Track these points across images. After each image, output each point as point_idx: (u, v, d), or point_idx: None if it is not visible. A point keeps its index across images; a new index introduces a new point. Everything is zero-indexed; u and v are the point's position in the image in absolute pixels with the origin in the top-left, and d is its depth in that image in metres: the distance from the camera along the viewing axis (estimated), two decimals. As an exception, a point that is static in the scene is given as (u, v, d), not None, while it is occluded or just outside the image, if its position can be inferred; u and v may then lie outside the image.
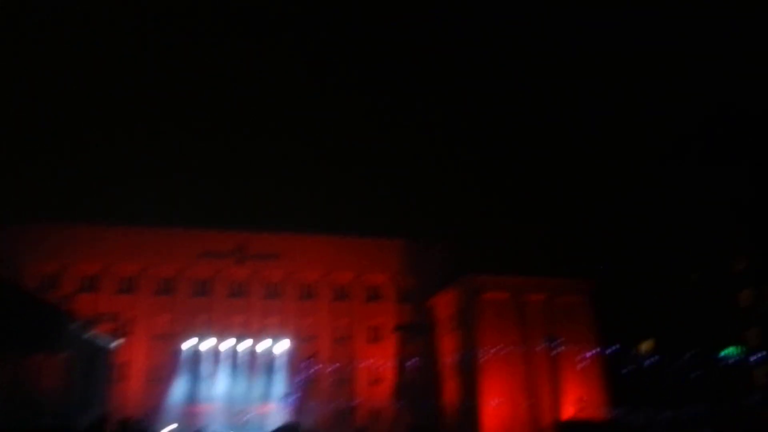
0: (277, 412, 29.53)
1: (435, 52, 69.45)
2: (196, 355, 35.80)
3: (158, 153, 60.38)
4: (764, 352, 34.05)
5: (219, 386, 35.00)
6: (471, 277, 36.28)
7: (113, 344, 28.36)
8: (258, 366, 36.26)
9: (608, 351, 34.34)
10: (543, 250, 37.26)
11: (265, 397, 34.63)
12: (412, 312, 41.37)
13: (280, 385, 34.71)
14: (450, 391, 37.75)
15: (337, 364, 38.60)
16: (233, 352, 36.06)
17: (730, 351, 36.55)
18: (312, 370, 33.53)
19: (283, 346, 36.78)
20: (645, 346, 33.68)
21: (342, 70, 69.17)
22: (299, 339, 38.87)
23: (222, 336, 36.81)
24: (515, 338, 34.68)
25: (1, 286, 22.28)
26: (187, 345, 35.93)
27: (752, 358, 35.12)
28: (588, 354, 34.42)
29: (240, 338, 36.83)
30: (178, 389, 34.88)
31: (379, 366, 39.31)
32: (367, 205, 51.92)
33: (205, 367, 35.59)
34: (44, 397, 22.25)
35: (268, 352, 36.57)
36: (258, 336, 37.45)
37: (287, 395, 31.95)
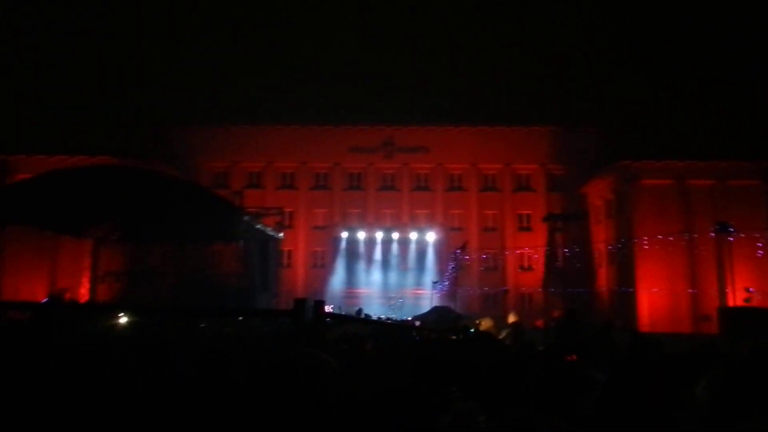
0: (429, 297, 31.17)
1: None
2: (351, 244, 38.60)
3: (309, 55, 62.15)
4: None
5: (374, 273, 37.70)
6: (628, 162, 34.23)
7: (279, 235, 31.08)
8: (409, 254, 38.31)
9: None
10: (711, 131, 33.88)
11: (417, 283, 36.70)
12: (563, 200, 40.45)
13: (430, 272, 36.44)
14: (603, 279, 37.14)
15: (487, 253, 39.34)
16: (386, 241, 38.31)
17: None
18: (462, 258, 34.53)
19: (432, 236, 38.29)
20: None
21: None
22: (448, 229, 40.03)
23: (374, 227, 39.15)
24: (677, 225, 32.66)
25: (183, 183, 25.10)
26: (343, 235, 38.78)
27: None
28: (763, 242, 31.63)
29: (391, 229, 38.89)
30: (336, 275, 38.13)
31: (529, 254, 39.51)
32: (515, 92, 50.03)
33: (360, 256, 38.38)
34: (226, 281, 25.34)
35: (419, 242, 38.32)
36: (408, 227, 39.22)
37: (438, 281, 33.43)
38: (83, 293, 27.09)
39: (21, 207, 20.56)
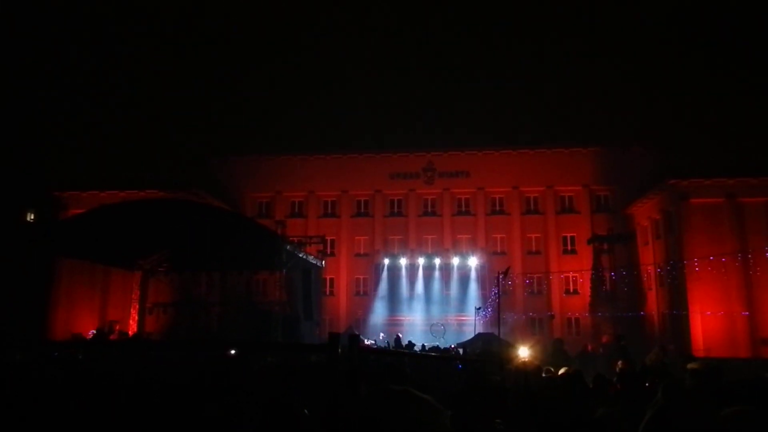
0: (473, 323, 30.72)
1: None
2: (393, 271, 38.53)
3: (348, 84, 63.22)
4: None
5: (416, 299, 37.46)
6: (676, 181, 33.38)
7: (321, 263, 31.28)
8: (452, 280, 37.96)
9: None
10: (763, 146, 32.84)
11: (460, 309, 36.25)
12: (608, 222, 39.58)
13: (473, 298, 36.00)
14: (653, 302, 36.03)
15: (531, 278, 38.71)
16: (428, 268, 38.10)
17: None
18: (506, 283, 34.03)
19: (474, 261, 37.95)
20: None
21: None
22: (490, 254, 39.61)
23: (416, 253, 39.06)
24: (730, 245, 31.56)
25: (227, 214, 25.67)
26: (385, 262, 38.79)
27: None
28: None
29: (433, 255, 38.73)
30: (379, 302, 38.03)
31: (574, 277, 38.72)
32: (556, 114, 49.64)
33: (402, 282, 38.23)
34: (270, 309, 25.62)
35: (461, 267, 37.99)
36: (450, 252, 38.97)
37: (482, 307, 32.98)
38: (132, 325, 27.74)
39: (74, 241, 21.34)
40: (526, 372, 7.02)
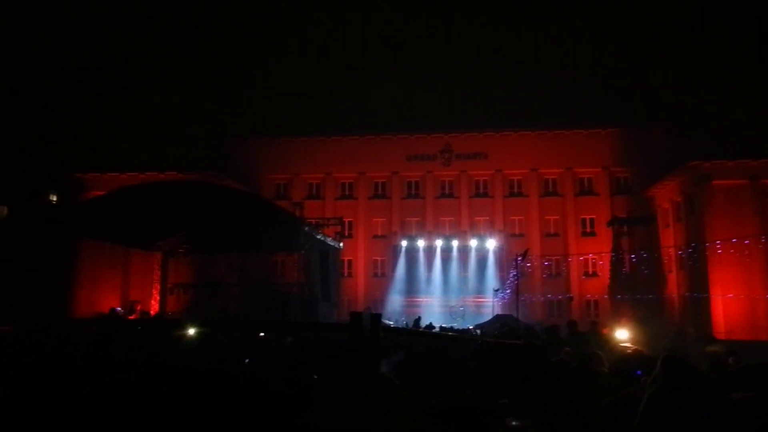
0: (491, 305, 30.72)
1: None
2: (411, 252, 38.56)
3: (366, 66, 62.93)
4: None
5: (434, 281, 37.49)
6: (698, 162, 32.85)
7: (339, 245, 31.37)
8: (469, 262, 37.89)
9: None
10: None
11: (478, 291, 36.22)
12: (628, 204, 39.11)
13: (491, 280, 35.94)
14: (674, 285, 35.69)
15: (549, 260, 38.49)
16: (445, 249, 38.06)
17: None
18: (524, 265, 33.91)
19: (492, 243, 37.81)
20: None
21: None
22: (508, 236, 39.43)
23: (433, 235, 39.02)
24: (753, 227, 31.09)
25: (246, 196, 25.79)
26: (402, 244, 38.82)
27: None
28: None
29: (450, 237, 38.66)
30: (396, 284, 38.12)
31: (593, 260, 38.42)
32: (575, 94, 48.98)
33: (420, 264, 38.26)
34: (288, 290, 25.79)
35: (479, 249, 37.89)
36: (468, 234, 38.86)
37: (500, 289, 32.94)
38: (153, 305, 28.13)
39: (94, 222, 21.61)
40: (533, 352, 6.98)
